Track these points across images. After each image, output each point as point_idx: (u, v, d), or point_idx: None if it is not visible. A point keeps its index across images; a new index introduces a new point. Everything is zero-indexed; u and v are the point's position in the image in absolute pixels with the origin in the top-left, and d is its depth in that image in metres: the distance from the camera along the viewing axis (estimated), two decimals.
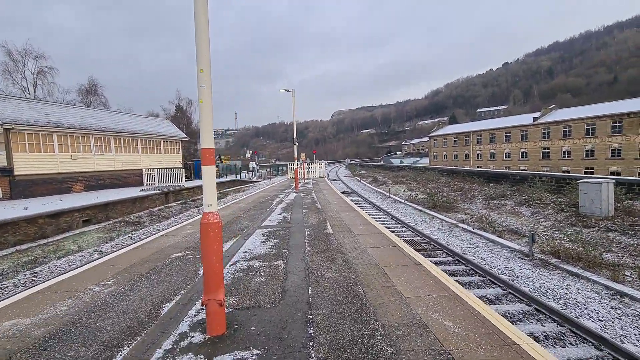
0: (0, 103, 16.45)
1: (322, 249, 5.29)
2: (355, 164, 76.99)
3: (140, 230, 11.61)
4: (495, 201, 17.28)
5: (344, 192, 21.63)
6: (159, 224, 13.31)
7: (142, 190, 18.96)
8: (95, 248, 9.24)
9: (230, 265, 4.68)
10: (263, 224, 7.69)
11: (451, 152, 60.19)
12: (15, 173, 15.85)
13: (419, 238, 10.04)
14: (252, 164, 53.85)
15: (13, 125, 15.57)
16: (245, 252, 5.40)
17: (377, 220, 11.06)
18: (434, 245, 9.23)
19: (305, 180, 23.16)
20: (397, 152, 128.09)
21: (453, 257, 8.12)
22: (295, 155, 16.18)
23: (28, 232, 11.03)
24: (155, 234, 7.58)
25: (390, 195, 20.58)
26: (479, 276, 6.88)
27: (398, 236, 9.59)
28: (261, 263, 4.72)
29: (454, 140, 59.56)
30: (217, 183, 27.71)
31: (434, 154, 65.41)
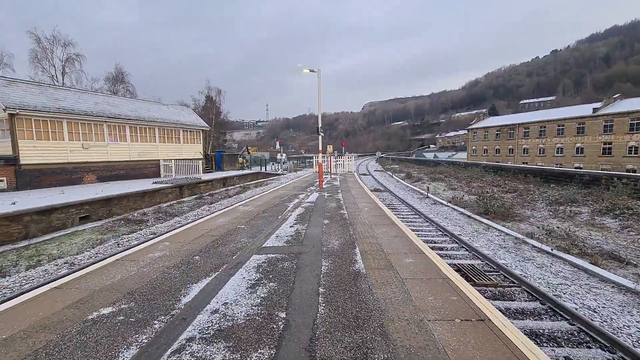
0: (7, 87, 15.45)
1: (347, 320, 2.94)
2: (387, 157, 73.42)
3: (133, 234, 9.87)
4: (563, 207, 14.02)
5: (375, 190, 19.07)
6: (162, 223, 11.60)
7: (155, 182, 17.53)
8: (67, 259, 7.53)
9: (171, 355, 2.47)
10: (265, 244, 5.46)
11: (493, 146, 55.12)
12: (21, 162, 14.82)
13: (479, 262, 7.41)
14: (279, 156, 52.31)
15: (18, 111, 14.47)
16: (216, 311, 3.17)
17: (426, 241, 8.52)
18: (505, 277, 6.58)
19: (332, 176, 20.80)
20: (431, 146, 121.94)
21: (542, 302, 5.46)
22: (320, 148, 13.84)
23: (10, 232, 9.62)
24: (119, 252, 5.62)
25: (429, 194, 17.75)
26: (601, 349, 4.24)
27: (449, 257, 6.98)
28: (228, 355, 2.46)
29: (497, 134, 54.42)
30: (239, 176, 26.07)
31: (473, 148, 60.43)
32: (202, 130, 26.58)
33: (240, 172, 28.51)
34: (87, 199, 12.16)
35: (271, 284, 3.79)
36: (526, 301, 5.57)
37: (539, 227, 10.82)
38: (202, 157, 25.60)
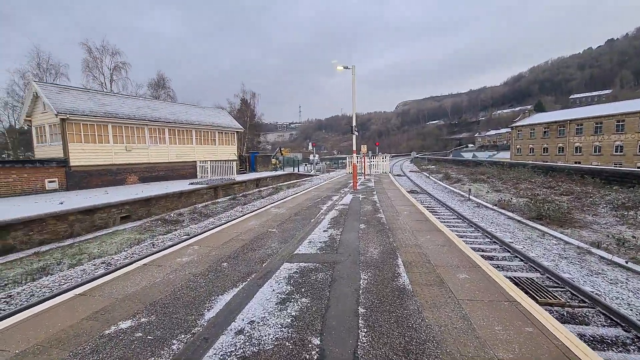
0: (59, 94, 16.52)
1: (396, 353, 2.41)
2: (422, 157, 70.95)
3: (168, 235, 9.96)
4: (633, 212, 12.35)
5: (412, 192, 18.15)
6: (196, 224, 11.69)
7: (191, 183, 17.92)
8: (105, 259, 7.64)
9: None
10: (297, 251, 5.05)
11: (540, 144, 51.13)
12: (71, 164, 15.75)
13: (538, 275, 6.50)
14: (312, 157, 52.29)
15: (68, 116, 15.40)
16: (241, 331, 2.79)
17: (475, 249, 7.72)
18: (573, 294, 5.66)
19: (366, 177, 20.12)
20: (469, 145, 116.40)
21: (625, 329, 4.54)
22: (355, 148, 13.27)
23: (57, 230, 10.09)
24: (147, 256, 5.49)
25: (471, 197, 16.55)
26: None
27: (502, 269, 6.10)
28: None
29: (544, 131, 50.40)
30: (272, 177, 26.19)
31: (518, 146, 56.53)
32: (237, 131, 27.00)
33: (274, 173, 28.64)
34: (128, 199, 12.56)
35: (303, 299, 3.34)
36: (604, 326, 4.67)
37: (607, 235, 9.50)
38: (236, 158, 26.00)
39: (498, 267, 6.87)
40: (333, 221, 7.22)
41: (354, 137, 12.83)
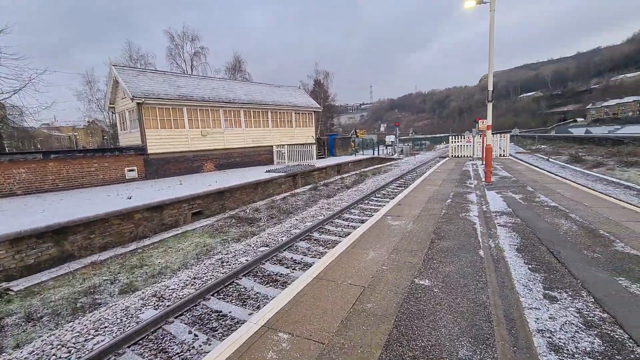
0: (136, 77, 15.61)
1: None
2: (522, 136, 60.44)
3: (241, 243, 7.59)
4: None
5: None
6: (275, 227, 9.25)
7: (268, 171, 15.83)
8: (159, 288, 5.44)
9: None
10: None
11: None
12: (148, 151, 14.78)
13: None
14: (389, 138, 47.67)
15: (144, 99, 14.30)
16: None
17: None
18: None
19: (472, 162, 15.62)
20: (578, 119, 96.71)
21: None
22: (490, 122, 9.27)
23: (122, 231, 8.51)
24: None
25: None
26: None
27: None
28: None
29: None
30: (353, 162, 23.06)
31: None
32: (315, 111, 24.36)
33: (354, 157, 25.51)
34: (200, 192, 10.72)
35: None
36: None
37: None
38: (314, 141, 23.47)
39: None
40: (526, 258, 3.73)
41: (489, 106, 8.81)
